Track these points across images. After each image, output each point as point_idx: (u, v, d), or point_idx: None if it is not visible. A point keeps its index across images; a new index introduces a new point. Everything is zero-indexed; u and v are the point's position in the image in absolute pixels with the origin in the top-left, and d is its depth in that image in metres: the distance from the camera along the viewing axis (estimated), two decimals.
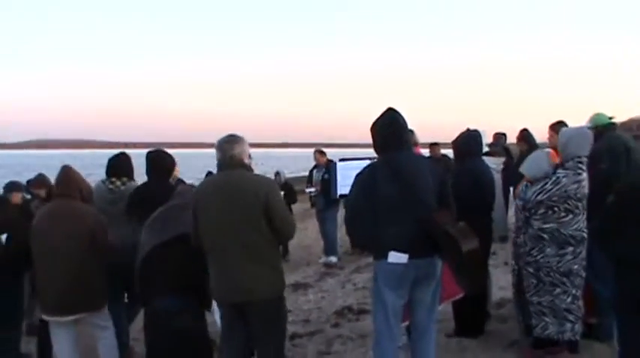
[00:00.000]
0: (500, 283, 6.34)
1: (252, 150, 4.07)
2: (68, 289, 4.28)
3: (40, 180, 6.26)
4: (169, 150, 5.28)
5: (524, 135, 8.76)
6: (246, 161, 3.77)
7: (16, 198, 5.92)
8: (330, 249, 10.03)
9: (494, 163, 5.79)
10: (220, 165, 3.75)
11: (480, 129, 5.36)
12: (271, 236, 3.61)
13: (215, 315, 4.31)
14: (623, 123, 11.92)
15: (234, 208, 3.53)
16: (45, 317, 4.51)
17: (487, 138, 5.89)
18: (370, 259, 6.34)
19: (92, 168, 19.39)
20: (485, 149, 6.58)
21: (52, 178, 6.12)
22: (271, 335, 3.71)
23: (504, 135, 10.25)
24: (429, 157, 9.72)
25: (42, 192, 6.03)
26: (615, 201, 3.35)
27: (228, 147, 3.71)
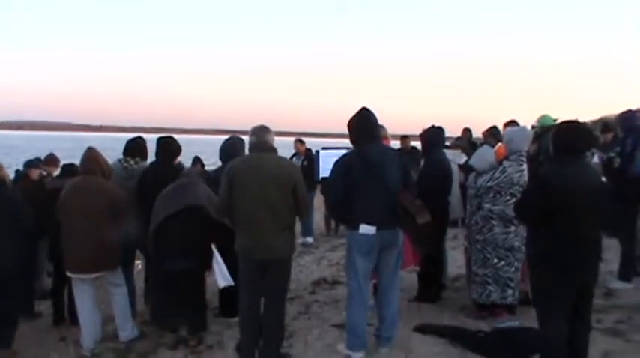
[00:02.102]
0: (458, 263, 7.00)
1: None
2: (91, 251, 4.87)
3: (52, 159, 6.82)
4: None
5: (493, 132, 9.39)
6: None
7: (35, 174, 6.45)
8: (306, 230, 10.51)
9: (453, 155, 6.59)
10: (254, 148, 4.39)
11: (442, 125, 6.15)
12: (293, 209, 4.37)
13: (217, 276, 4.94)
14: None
15: (270, 184, 4.23)
16: (70, 275, 5.08)
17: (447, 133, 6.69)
18: (342, 240, 6.83)
19: (75, 151, 19.41)
20: (447, 143, 7.36)
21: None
22: (281, 288, 4.51)
23: (469, 130, 11.04)
24: (398, 149, 10.46)
25: (54, 170, 6.55)
26: (535, 184, 3.92)
27: (263, 133, 4.39)
